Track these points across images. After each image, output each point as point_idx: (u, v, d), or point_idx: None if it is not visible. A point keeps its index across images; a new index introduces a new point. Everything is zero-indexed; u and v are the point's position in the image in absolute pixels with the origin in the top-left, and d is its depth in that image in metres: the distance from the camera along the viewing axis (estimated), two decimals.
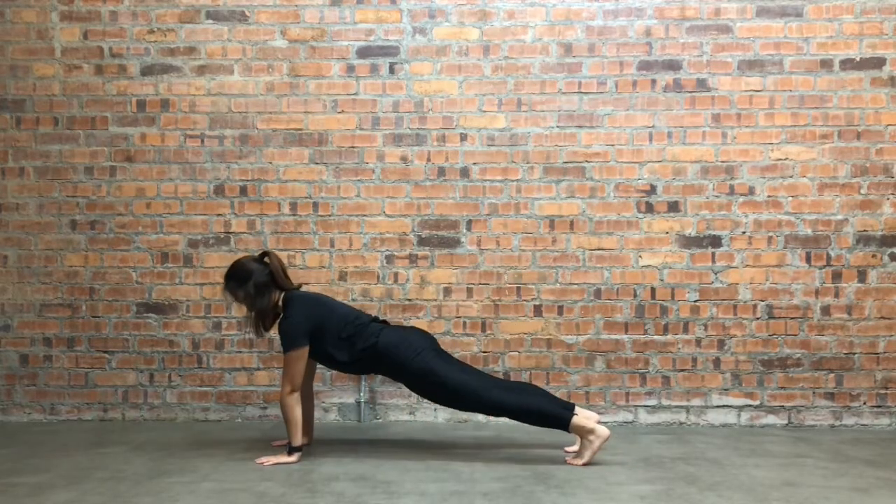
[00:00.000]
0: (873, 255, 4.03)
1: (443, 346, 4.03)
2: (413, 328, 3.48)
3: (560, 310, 4.07)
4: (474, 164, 4.10)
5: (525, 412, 3.23)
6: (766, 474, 3.06)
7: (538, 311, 4.08)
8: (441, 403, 3.36)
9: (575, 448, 3.36)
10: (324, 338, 3.26)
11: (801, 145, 4.05)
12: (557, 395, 4.03)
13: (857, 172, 4.04)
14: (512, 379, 4.04)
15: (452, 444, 3.58)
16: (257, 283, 3.27)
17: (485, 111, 4.10)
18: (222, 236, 4.13)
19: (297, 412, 3.19)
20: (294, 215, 4.12)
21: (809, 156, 4.05)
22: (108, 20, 4.14)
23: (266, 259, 3.33)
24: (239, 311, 4.08)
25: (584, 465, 3.18)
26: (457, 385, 3.23)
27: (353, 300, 4.06)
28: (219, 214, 4.13)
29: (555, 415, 3.21)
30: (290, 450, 3.20)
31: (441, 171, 4.10)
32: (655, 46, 4.08)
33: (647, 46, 4.08)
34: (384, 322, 3.43)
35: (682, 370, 4.05)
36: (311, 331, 3.24)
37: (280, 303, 3.32)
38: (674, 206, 4.06)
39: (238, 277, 3.30)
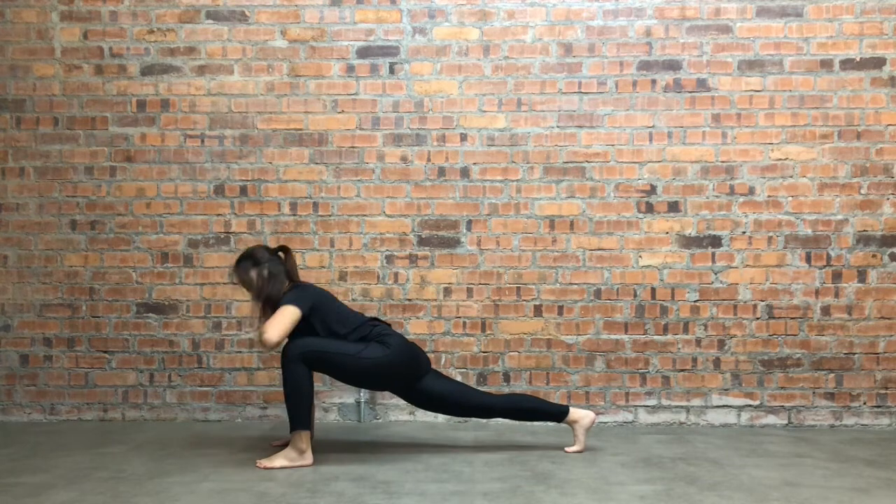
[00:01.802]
0: (873, 255, 4.03)
1: (443, 346, 4.08)
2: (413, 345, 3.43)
3: (560, 310, 4.07)
4: (474, 164, 4.10)
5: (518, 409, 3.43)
6: (766, 474, 3.06)
7: (538, 311, 4.08)
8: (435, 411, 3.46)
9: (575, 448, 3.41)
10: (320, 323, 3.24)
11: (801, 145, 4.05)
12: (557, 395, 4.04)
13: (857, 172, 4.04)
14: (511, 379, 4.05)
15: (452, 444, 3.58)
16: (272, 270, 3.25)
17: (485, 111, 4.10)
18: (222, 236, 4.13)
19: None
20: (294, 215, 4.12)
21: (809, 156, 4.05)
22: (108, 20, 4.14)
23: (281, 253, 3.33)
24: (239, 311, 4.09)
25: (578, 451, 3.39)
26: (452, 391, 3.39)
27: (353, 300, 4.06)
28: (219, 214, 4.13)
29: (548, 410, 3.43)
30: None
31: (441, 171, 4.11)
32: (655, 46, 4.08)
33: (647, 46, 4.08)
34: (384, 323, 3.42)
35: (682, 370, 4.05)
36: (311, 306, 3.20)
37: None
38: (674, 206, 4.06)
39: (253, 259, 3.28)
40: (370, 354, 3.21)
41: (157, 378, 4.12)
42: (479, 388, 3.89)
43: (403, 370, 3.29)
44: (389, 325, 3.44)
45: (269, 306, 3.24)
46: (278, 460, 3.15)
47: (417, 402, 3.40)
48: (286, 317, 3.13)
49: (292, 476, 3.01)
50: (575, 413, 3.41)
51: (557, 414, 3.41)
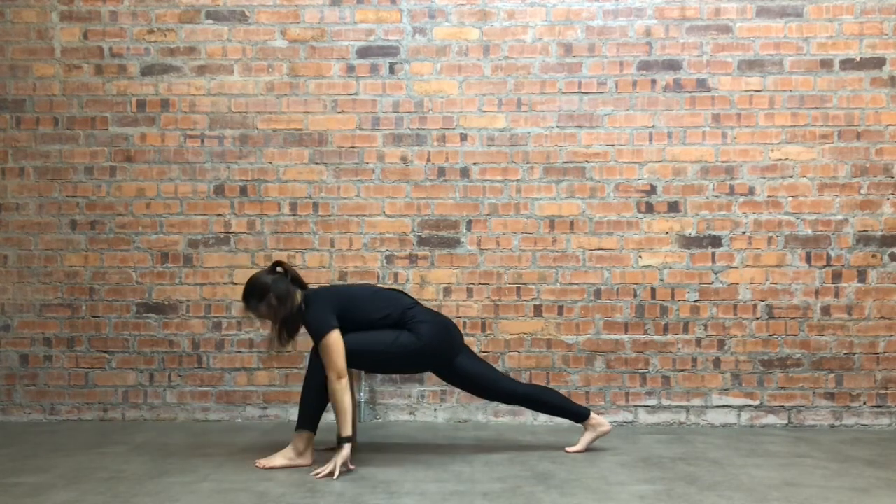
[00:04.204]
0: (873, 255, 4.03)
1: None
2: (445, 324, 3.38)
3: (560, 310, 4.07)
4: (474, 164, 4.10)
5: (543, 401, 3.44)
6: (766, 474, 3.06)
7: (538, 311, 4.08)
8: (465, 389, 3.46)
9: (576, 448, 3.42)
10: (351, 322, 3.19)
11: (801, 145, 4.05)
12: None
13: (857, 172, 4.04)
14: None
15: (452, 444, 3.58)
16: (278, 293, 3.18)
17: (485, 111, 4.10)
18: (222, 236, 4.13)
19: (347, 400, 3.07)
20: (294, 215, 4.12)
21: (809, 156, 4.05)
22: (108, 20, 4.14)
23: (279, 268, 3.27)
24: (239, 311, 4.09)
25: (578, 451, 3.39)
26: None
27: None
28: (219, 214, 4.13)
29: (571, 410, 3.44)
30: (339, 440, 3.07)
31: (441, 171, 4.11)
32: (655, 46, 4.08)
33: (647, 46, 4.08)
34: (416, 304, 3.36)
35: (682, 370, 4.05)
36: (337, 313, 3.16)
37: (302, 304, 3.24)
38: (674, 206, 4.06)
39: (257, 293, 3.20)
40: (403, 343, 3.20)
41: (157, 378, 4.12)
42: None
43: (437, 354, 3.28)
44: (418, 303, 3.38)
45: (287, 325, 3.24)
46: (277, 459, 3.15)
47: (450, 381, 3.40)
48: (330, 350, 3.09)
49: (292, 476, 3.01)
50: (595, 418, 3.43)
51: (578, 415, 3.42)
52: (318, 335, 3.12)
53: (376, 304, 3.26)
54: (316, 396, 3.15)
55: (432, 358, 3.29)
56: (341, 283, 3.46)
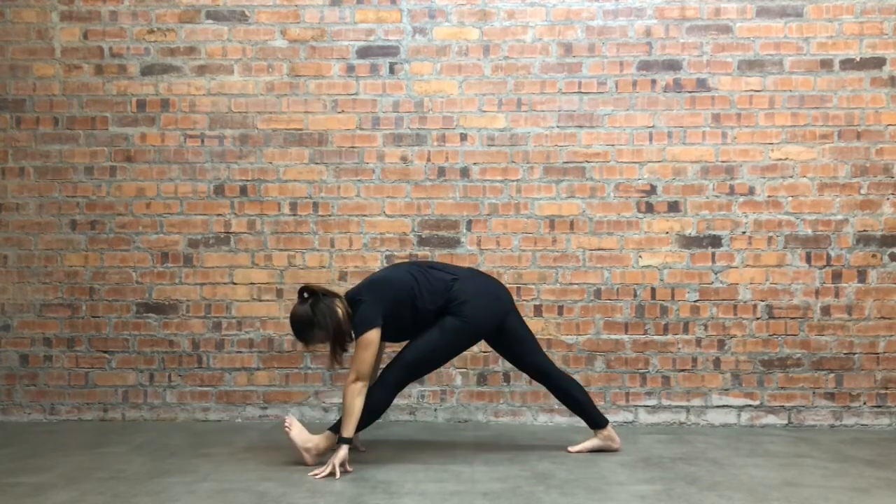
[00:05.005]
0: (873, 255, 4.03)
1: None
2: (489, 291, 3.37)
3: (560, 310, 4.07)
4: (474, 164, 4.10)
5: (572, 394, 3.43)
6: (766, 474, 3.06)
7: (538, 311, 4.08)
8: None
9: (577, 448, 3.43)
10: (397, 318, 3.20)
11: (801, 145, 4.05)
12: None
13: (857, 172, 4.04)
14: (511, 379, 4.05)
15: (452, 444, 3.58)
16: (322, 313, 3.17)
17: (485, 111, 4.10)
18: (222, 236, 4.13)
19: (358, 404, 3.07)
20: (294, 215, 4.12)
21: (809, 156, 4.05)
22: (108, 20, 4.14)
23: (305, 293, 3.24)
24: (239, 311, 4.09)
25: (579, 451, 3.40)
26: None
27: None
28: (219, 214, 4.13)
29: (591, 413, 3.44)
30: (339, 440, 3.08)
31: (441, 171, 4.11)
32: (655, 46, 4.08)
33: (647, 46, 4.08)
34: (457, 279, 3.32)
35: (682, 370, 4.05)
36: (386, 309, 3.16)
37: (347, 307, 3.23)
38: (674, 206, 4.06)
39: (305, 324, 3.19)
40: (450, 330, 3.22)
41: (157, 378, 4.12)
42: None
43: (487, 324, 3.30)
44: (459, 276, 3.32)
45: (343, 334, 3.22)
46: (298, 432, 3.16)
47: (495, 343, 3.42)
48: (363, 350, 3.10)
49: (292, 476, 3.02)
50: (610, 431, 3.43)
51: (596, 421, 3.42)
52: (360, 330, 3.13)
53: (421, 295, 3.22)
54: (369, 411, 3.14)
55: (483, 330, 3.32)
56: (384, 268, 3.38)
